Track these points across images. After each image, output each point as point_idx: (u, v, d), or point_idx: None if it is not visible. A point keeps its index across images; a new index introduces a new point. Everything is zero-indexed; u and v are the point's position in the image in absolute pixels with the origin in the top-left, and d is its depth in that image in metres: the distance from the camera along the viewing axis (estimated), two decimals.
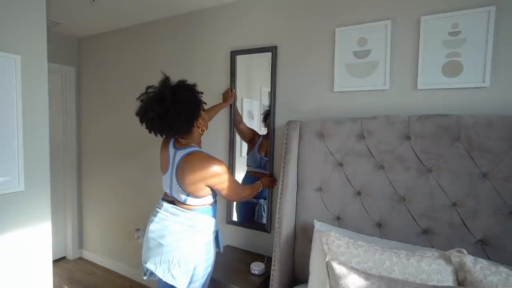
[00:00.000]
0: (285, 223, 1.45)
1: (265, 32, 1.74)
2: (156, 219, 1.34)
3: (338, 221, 1.42)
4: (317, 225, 1.38)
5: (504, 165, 1.10)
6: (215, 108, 1.75)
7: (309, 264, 1.30)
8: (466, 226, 1.16)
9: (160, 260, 1.27)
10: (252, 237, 1.85)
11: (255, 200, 1.83)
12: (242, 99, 1.86)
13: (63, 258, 2.91)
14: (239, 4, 1.84)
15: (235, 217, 1.93)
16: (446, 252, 1.06)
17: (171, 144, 1.36)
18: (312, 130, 1.48)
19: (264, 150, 1.79)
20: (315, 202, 1.47)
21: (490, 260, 1.08)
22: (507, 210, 1.10)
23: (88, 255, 2.91)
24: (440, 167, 1.20)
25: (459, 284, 0.98)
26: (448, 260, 1.01)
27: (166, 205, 1.35)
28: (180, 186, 1.28)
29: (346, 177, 1.40)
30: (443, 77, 1.29)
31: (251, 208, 1.87)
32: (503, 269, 0.94)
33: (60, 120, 2.79)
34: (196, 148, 1.31)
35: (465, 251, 1.02)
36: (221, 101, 1.83)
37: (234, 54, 1.84)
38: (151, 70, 2.30)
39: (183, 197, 1.30)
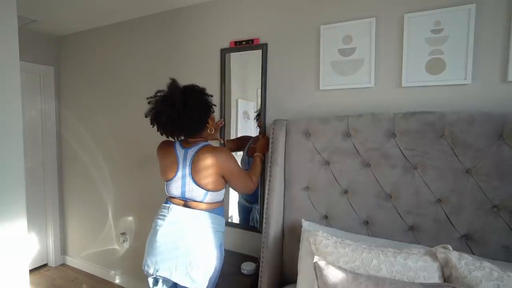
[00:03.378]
0: (272, 223, 1.43)
1: (256, 29, 1.71)
2: (165, 223, 1.30)
3: (326, 220, 1.41)
4: (305, 224, 1.37)
5: (486, 161, 1.12)
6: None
7: (297, 264, 1.29)
8: (451, 222, 1.18)
9: (176, 264, 1.23)
10: (245, 239, 1.82)
11: (250, 205, 1.81)
12: (237, 100, 1.83)
13: (45, 265, 2.79)
14: (229, 1, 1.80)
15: (229, 219, 1.89)
16: (432, 248, 1.06)
17: (177, 146, 1.35)
18: (298, 129, 1.46)
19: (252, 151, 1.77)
20: (302, 201, 1.46)
21: (473, 254, 1.10)
22: (490, 205, 1.12)
23: (72, 261, 2.81)
24: (425, 164, 1.21)
25: (444, 280, 0.98)
26: (434, 257, 1.02)
27: (177, 208, 1.32)
28: (197, 183, 1.28)
29: (333, 175, 1.39)
30: (426, 74, 1.30)
31: (247, 212, 1.84)
32: (486, 263, 0.95)
33: (39, 122, 2.67)
34: (206, 143, 1.35)
35: (450, 247, 1.03)
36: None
37: (224, 52, 1.80)
38: (135, 69, 2.24)
39: (201, 195, 1.30)
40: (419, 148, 1.22)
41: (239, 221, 1.87)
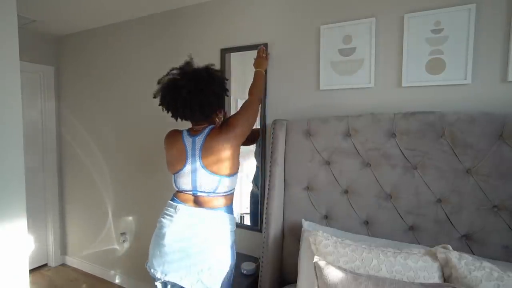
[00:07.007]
0: (273, 223, 1.43)
1: (256, 29, 1.71)
2: (173, 225, 1.22)
3: (326, 220, 1.41)
4: (305, 224, 1.37)
5: (486, 161, 1.12)
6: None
7: (297, 264, 1.29)
8: (451, 222, 1.18)
9: (186, 269, 1.18)
10: (245, 238, 1.81)
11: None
12: (236, 101, 1.83)
13: (45, 265, 2.79)
14: (229, 0, 1.80)
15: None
16: (432, 248, 1.06)
17: (185, 135, 1.29)
18: (298, 129, 1.46)
19: None
20: (302, 201, 1.46)
21: (474, 254, 1.10)
22: (490, 205, 1.12)
23: (72, 261, 2.81)
24: (425, 164, 1.21)
25: (444, 280, 0.98)
26: (434, 257, 1.02)
27: (186, 207, 1.25)
28: (208, 171, 1.22)
29: (333, 175, 1.39)
30: (427, 74, 1.30)
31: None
32: (486, 263, 0.95)
33: (39, 122, 2.67)
34: (213, 126, 1.29)
35: (450, 247, 1.03)
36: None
37: (224, 52, 1.80)
38: (135, 69, 2.24)
39: (215, 183, 1.23)
40: (419, 148, 1.22)
41: (250, 212, 1.84)
